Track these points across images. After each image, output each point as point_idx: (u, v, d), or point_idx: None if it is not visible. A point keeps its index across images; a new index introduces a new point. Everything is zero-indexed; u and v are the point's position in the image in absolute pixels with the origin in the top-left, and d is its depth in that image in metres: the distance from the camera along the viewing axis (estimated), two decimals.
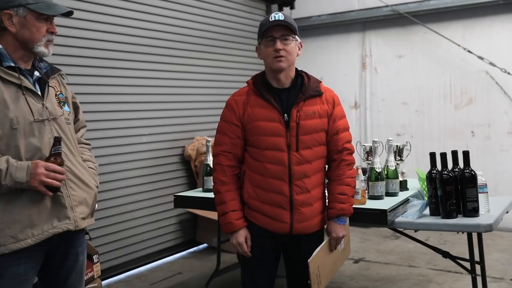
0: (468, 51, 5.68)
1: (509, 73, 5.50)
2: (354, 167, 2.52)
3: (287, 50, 2.31)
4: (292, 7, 6.45)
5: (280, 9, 6.44)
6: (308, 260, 2.36)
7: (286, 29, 2.31)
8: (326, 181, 2.51)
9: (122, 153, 4.58)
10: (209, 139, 3.62)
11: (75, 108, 2.36)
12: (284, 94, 2.36)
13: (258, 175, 2.35)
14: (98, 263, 3.07)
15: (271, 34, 2.29)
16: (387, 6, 6.05)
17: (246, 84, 2.47)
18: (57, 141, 2.03)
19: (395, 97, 6.25)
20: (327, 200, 2.48)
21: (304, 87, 2.37)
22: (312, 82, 2.40)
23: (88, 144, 2.43)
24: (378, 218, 2.77)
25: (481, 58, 5.63)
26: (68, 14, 2.18)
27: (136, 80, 4.75)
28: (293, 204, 2.34)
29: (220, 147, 2.42)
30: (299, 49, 2.40)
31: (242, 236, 2.38)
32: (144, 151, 4.83)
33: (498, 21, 5.64)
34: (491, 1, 5.54)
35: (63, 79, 2.32)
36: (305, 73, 2.45)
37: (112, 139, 4.47)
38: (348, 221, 2.52)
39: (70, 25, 3.99)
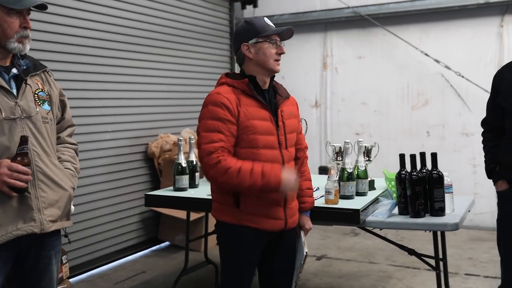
0: (425, 54, 5.89)
1: (463, 76, 5.74)
2: (328, 167, 2.68)
3: None
4: (255, 5, 6.47)
5: (243, 7, 6.46)
6: (306, 252, 2.48)
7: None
8: None
9: (84, 150, 4.45)
10: (180, 138, 3.59)
11: (62, 106, 2.30)
12: (266, 95, 2.45)
13: None
14: (67, 264, 2.99)
15: (275, 37, 2.41)
16: (348, 7, 6.18)
17: (218, 83, 2.45)
18: (24, 140, 1.97)
19: (355, 97, 6.40)
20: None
21: (278, 89, 2.51)
22: (279, 84, 2.56)
23: (74, 144, 2.36)
24: (351, 218, 2.84)
25: (437, 61, 5.85)
26: (42, 7, 2.11)
27: (98, 76, 4.64)
28: (287, 200, 2.43)
29: (216, 143, 2.25)
30: None
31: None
32: (107, 148, 4.73)
33: (453, 26, 5.88)
34: (446, 7, 5.77)
35: (50, 76, 2.25)
36: None
37: (74, 136, 4.33)
38: None
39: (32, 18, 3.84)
